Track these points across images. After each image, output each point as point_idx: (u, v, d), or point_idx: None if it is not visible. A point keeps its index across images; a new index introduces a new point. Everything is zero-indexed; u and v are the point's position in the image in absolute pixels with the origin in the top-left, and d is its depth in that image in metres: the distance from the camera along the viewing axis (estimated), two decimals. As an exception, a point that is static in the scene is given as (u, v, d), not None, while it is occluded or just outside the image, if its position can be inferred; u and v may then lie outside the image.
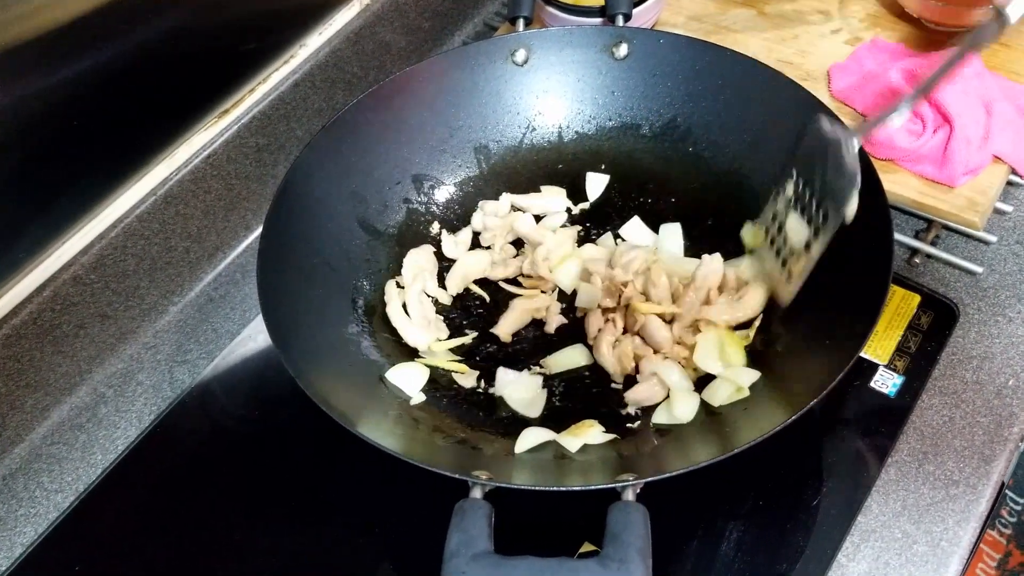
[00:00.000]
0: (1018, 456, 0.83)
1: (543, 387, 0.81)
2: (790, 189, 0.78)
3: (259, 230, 0.80)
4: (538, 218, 0.93)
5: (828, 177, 0.73)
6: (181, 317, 0.97)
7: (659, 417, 0.77)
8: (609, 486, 0.63)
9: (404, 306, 0.86)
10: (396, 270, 0.89)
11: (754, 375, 0.76)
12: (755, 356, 0.79)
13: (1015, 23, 0.68)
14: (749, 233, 0.86)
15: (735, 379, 0.76)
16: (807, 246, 0.75)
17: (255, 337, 0.94)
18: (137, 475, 0.86)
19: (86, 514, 0.84)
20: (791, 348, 0.77)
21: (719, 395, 0.76)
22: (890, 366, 0.83)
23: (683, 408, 0.76)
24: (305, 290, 0.82)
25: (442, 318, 0.87)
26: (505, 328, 0.85)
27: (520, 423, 0.78)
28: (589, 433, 0.75)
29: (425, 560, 0.74)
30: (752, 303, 0.81)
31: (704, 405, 0.77)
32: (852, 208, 0.72)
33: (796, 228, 0.77)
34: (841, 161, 0.72)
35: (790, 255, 0.77)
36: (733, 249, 0.86)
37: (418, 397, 0.80)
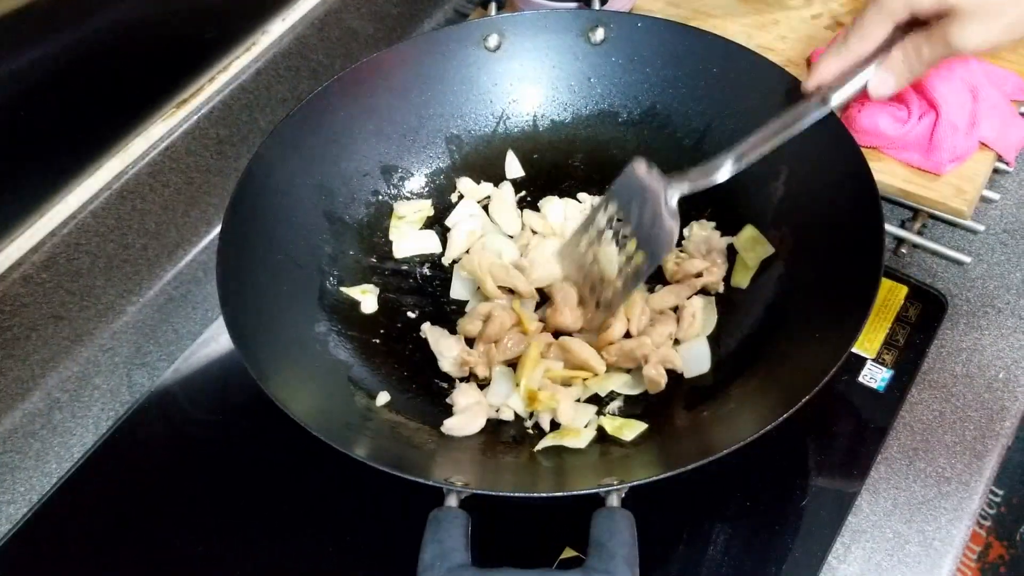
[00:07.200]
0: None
1: None
2: (603, 219, 0.76)
3: (221, 225, 0.77)
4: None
5: (644, 223, 0.72)
6: (139, 317, 0.93)
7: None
8: (593, 491, 0.60)
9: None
10: (362, 273, 0.86)
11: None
12: (740, 352, 0.76)
13: (835, 108, 0.73)
14: (745, 239, 0.84)
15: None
16: (618, 279, 0.74)
17: (218, 338, 0.90)
18: (94, 484, 0.83)
19: (40, 526, 0.80)
20: (778, 345, 0.74)
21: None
22: (878, 360, 0.81)
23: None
24: (269, 288, 0.78)
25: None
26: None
27: (499, 425, 0.76)
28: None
29: (398, 572, 0.71)
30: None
31: (688, 407, 0.74)
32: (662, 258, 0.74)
33: (610, 258, 0.75)
34: (659, 212, 0.71)
35: (600, 282, 0.76)
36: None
37: (383, 398, 0.77)
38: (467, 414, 0.75)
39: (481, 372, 0.79)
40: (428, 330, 0.82)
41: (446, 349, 0.80)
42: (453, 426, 0.74)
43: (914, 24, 0.68)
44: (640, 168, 0.73)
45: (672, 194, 0.71)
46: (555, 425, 0.75)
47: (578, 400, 0.77)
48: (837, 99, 0.72)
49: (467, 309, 0.84)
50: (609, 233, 0.75)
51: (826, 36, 0.99)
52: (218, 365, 0.89)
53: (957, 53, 0.68)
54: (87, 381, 0.89)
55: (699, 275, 0.82)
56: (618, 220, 0.74)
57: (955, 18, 0.65)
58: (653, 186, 0.71)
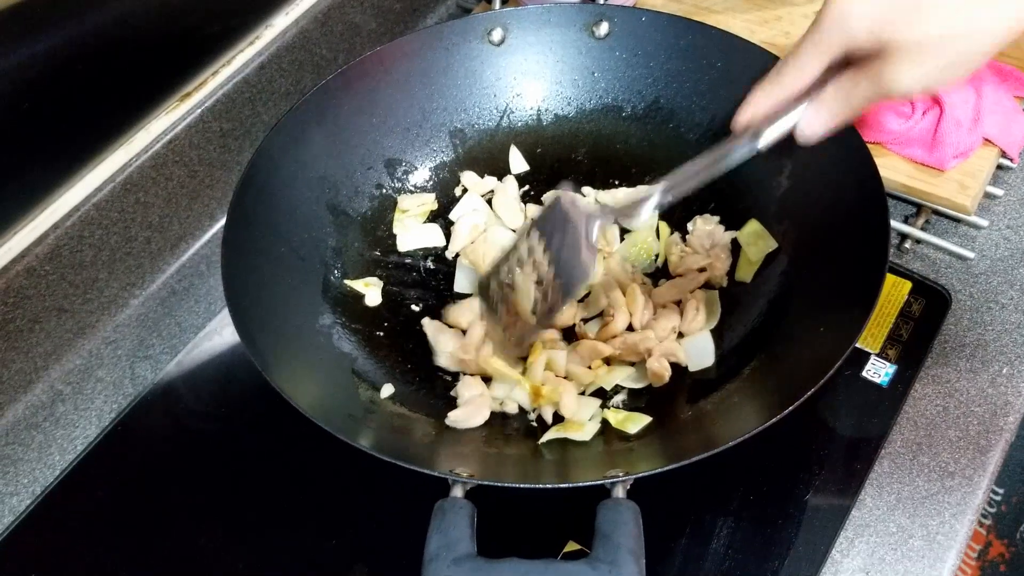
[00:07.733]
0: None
1: None
2: (524, 249, 0.72)
3: (224, 219, 0.77)
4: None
5: (563, 255, 0.69)
6: (143, 310, 0.93)
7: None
8: (598, 482, 0.60)
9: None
10: (366, 266, 0.86)
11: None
12: (743, 346, 0.76)
13: (762, 149, 0.67)
14: (749, 233, 0.83)
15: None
16: (533, 311, 0.71)
17: (221, 331, 0.90)
18: (97, 476, 0.82)
19: (43, 518, 0.80)
20: (782, 339, 0.74)
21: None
22: (882, 355, 0.81)
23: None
24: (273, 281, 0.78)
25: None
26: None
27: (502, 418, 0.75)
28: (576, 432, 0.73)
29: (403, 563, 0.72)
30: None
31: (692, 400, 0.74)
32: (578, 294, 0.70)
33: (523, 290, 0.72)
34: (578, 245, 0.68)
35: (516, 314, 0.73)
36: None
37: (387, 390, 0.77)
38: (471, 406, 0.75)
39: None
40: (427, 324, 0.82)
41: (444, 344, 0.80)
42: (457, 418, 0.74)
43: (851, 61, 0.63)
44: (566, 200, 0.70)
45: (592, 228, 0.69)
46: (559, 418, 0.75)
47: (582, 393, 0.77)
48: (766, 138, 0.66)
49: (470, 303, 0.84)
50: (529, 265, 0.72)
51: (830, 32, 0.99)
52: (221, 358, 0.89)
53: (889, 95, 0.62)
54: (90, 374, 0.89)
55: (702, 269, 0.82)
56: (541, 245, 0.71)
57: (889, 57, 0.59)
58: (575, 219, 0.69)
